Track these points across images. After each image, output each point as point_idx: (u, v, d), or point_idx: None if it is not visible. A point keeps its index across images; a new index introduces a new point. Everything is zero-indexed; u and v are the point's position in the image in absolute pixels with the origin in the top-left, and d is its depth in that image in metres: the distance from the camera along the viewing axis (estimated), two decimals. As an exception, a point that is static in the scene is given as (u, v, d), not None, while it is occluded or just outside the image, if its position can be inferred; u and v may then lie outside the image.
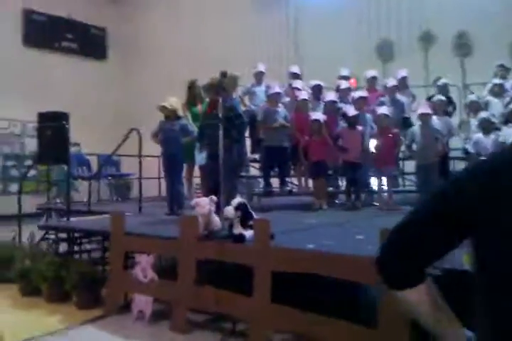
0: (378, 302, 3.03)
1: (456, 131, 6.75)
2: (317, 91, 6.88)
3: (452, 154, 6.83)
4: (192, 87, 6.95)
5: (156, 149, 6.35)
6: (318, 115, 6.21)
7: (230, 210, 3.82)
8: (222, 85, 4.82)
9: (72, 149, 7.26)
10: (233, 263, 3.65)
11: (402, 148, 6.40)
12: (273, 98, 6.45)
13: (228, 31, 12.12)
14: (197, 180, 7.37)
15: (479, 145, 5.94)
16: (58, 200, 7.18)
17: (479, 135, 6.00)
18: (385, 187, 6.24)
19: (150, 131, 6.02)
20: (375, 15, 9.99)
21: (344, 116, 6.33)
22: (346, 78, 7.30)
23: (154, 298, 4.03)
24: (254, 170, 7.65)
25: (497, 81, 6.74)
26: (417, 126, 6.04)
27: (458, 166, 7.37)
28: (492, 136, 5.87)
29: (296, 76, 7.33)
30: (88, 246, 5.78)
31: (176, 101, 6.03)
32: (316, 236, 4.15)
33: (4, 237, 5.83)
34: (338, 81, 7.19)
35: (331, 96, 6.63)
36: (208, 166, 5.66)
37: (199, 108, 6.92)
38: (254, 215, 3.89)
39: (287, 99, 6.93)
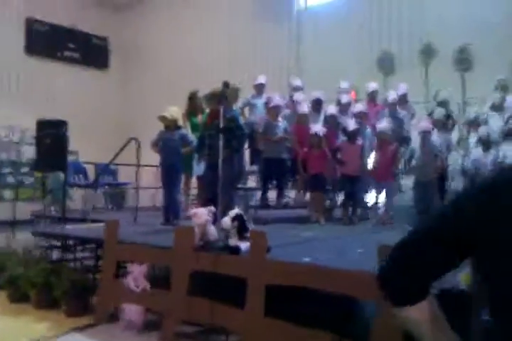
0: (372, 317, 2.99)
1: (455, 147, 6.75)
2: (317, 104, 6.88)
3: (450, 170, 6.82)
4: (193, 97, 6.96)
5: (153, 159, 6.34)
6: (317, 128, 6.21)
7: (226, 221, 3.79)
8: (225, 95, 4.82)
9: (70, 157, 7.23)
10: (228, 275, 3.60)
11: (401, 163, 6.40)
12: (274, 111, 6.46)
13: (230, 41, 12.22)
14: (194, 191, 7.33)
15: (478, 161, 5.93)
16: (53, 208, 7.13)
17: (478, 151, 5.99)
18: (383, 202, 6.22)
19: (148, 140, 6.01)
20: (376, 28, 10.06)
21: (344, 130, 6.33)
22: (346, 91, 7.31)
23: (145, 308, 3.96)
24: (250, 182, 7.62)
25: (497, 96, 6.74)
26: (416, 144, 6.04)
27: (456, 182, 7.36)
28: (491, 152, 5.87)
29: (297, 88, 7.34)
30: (81, 254, 5.72)
31: (176, 110, 6.03)
32: (312, 249, 4.12)
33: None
34: (339, 95, 7.20)
35: (331, 109, 6.63)
36: (206, 176, 5.63)
37: (199, 118, 6.91)
38: (251, 227, 3.85)
39: (287, 111, 6.94)
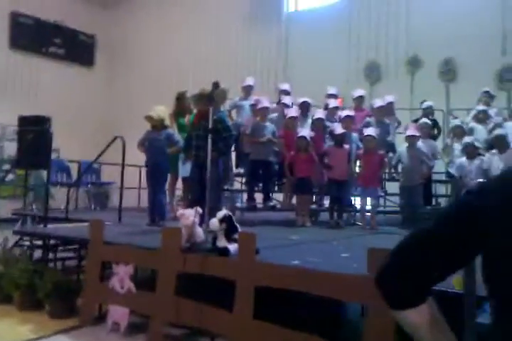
0: (362, 320, 2.99)
1: (440, 155, 6.85)
2: (305, 108, 6.89)
3: (435, 177, 6.92)
4: (181, 98, 6.90)
5: (137, 158, 6.27)
6: (305, 132, 6.22)
7: (214, 223, 3.75)
8: (213, 96, 4.78)
9: (52, 155, 7.10)
10: (215, 277, 3.56)
11: (387, 169, 6.45)
12: (262, 112, 6.45)
13: (218, 42, 12.20)
14: (179, 192, 7.27)
15: (463, 169, 6.01)
16: (34, 206, 6.98)
17: (463, 159, 6.08)
18: (369, 207, 6.26)
19: (133, 139, 5.93)
20: (364, 38, 10.16)
21: (331, 134, 6.36)
22: (334, 96, 7.35)
23: (130, 310, 3.90)
24: (237, 184, 7.60)
25: (481, 107, 6.87)
26: (403, 148, 6.10)
27: (440, 189, 7.47)
28: (476, 162, 5.95)
29: (285, 93, 7.35)
30: (64, 254, 5.60)
31: (163, 110, 5.97)
32: (300, 252, 4.10)
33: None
34: (327, 99, 7.23)
35: (318, 114, 6.65)
36: (193, 177, 5.58)
37: (186, 119, 6.87)
38: (239, 229, 3.82)
39: (275, 115, 6.94)
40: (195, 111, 6.24)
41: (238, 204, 7.30)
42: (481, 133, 6.59)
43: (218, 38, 12.27)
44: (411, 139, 5.97)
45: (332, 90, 7.46)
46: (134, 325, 3.91)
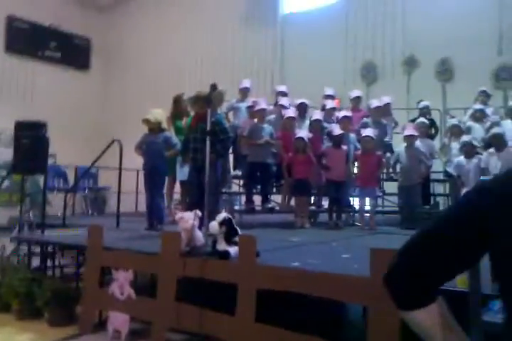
0: (363, 321, 2.96)
1: (437, 154, 6.84)
2: (302, 109, 6.88)
3: (432, 176, 6.91)
4: (178, 100, 6.88)
5: (135, 162, 6.23)
6: (302, 133, 6.20)
7: (214, 226, 3.72)
8: (211, 98, 4.74)
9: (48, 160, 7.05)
10: (216, 281, 3.52)
11: (385, 169, 6.44)
12: (259, 114, 6.43)
13: (214, 44, 12.19)
14: (177, 195, 7.24)
15: (461, 168, 6.00)
16: (31, 212, 6.91)
17: (461, 158, 6.07)
18: (367, 208, 6.25)
19: (130, 143, 5.90)
20: (360, 39, 10.15)
21: (329, 135, 6.34)
22: (331, 97, 7.34)
23: (131, 317, 3.85)
24: (235, 187, 7.57)
25: (478, 106, 6.87)
26: (401, 148, 6.09)
27: (438, 188, 7.46)
28: (474, 161, 5.94)
29: (283, 94, 7.34)
30: (62, 261, 5.55)
31: (160, 113, 5.95)
32: (300, 254, 4.07)
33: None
34: (324, 100, 7.23)
35: (316, 115, 6.64)
36: (191, 180, 5.55)
37: (184, 122, 6.84)
38: (239, 231, 3.79)
39: (272, 117, 6.92)
40: (192, 113, 6.21)
41: (236, 207, 7.27)
42: (478, 132, 6.59)
43: (214, 40, 12.26)
44: (409, 139, 5.96)
45: (329, 91, 7.45)
46: (135, 332, 3.87)
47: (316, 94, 7.55)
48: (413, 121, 7.12)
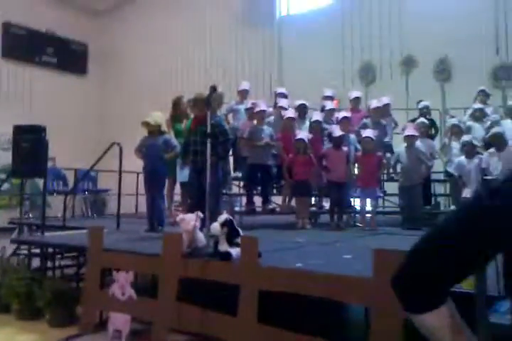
0: (365, 322, 2.95)
1: (438, 154, 6.84)
2: (302, 110, 6.88)
3: (433, 177, 6.91)
4: (177, 103, 6.87)
5: (134, 164, 6.22)
6: (303, 134, 6.20)
7: (216, 227, 3.71)
8: (210, 100, 4.73)
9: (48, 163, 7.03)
10: (217, 282, 3.51)
11: (385, 170, 6.44)
12: (259, 116, 6.43)
13: (211, 47, 12.19)
14: (177, 197, 7.23)
15: (462, 168, 5.99)
16: (31, 215, 6.91)
17: (462, 158, 6.06)
18: (368, 209, 6.24)
19: (128, 146, 5.89)
20: (357, 40, 10.16)
21: (329, 136, 6.34)
22: (330, 98, 7.34)
23: (132, 317, 3.84)
24: (235, 188, 7.56)
25: (478, 106, 6.87)
26: (402, 148, 6.09)
27: (438, 188, 7.46)
28: (475, 160, 5.93)
29: (282, 96, 7.34)
30: (62, 262, 5.53)
31: (159, 115, 5.94)
32: (302, 255, 4.06)
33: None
34: (324, 101, 7.23)
35: (316, 116, 6.64)
36: (191, 183, 5.54)
37: (183, 124, 6.83)
38: (241, 232, 3.78)
39: (272, 118, 6.93)
40: (192, 116, 6.20)
41: (237, 208, 7.26)
42: (478, 132, 6.59)
43: (211, 43, 12.27)
44: (409, 139, 5.96)
45: (328, 92, 7.46)
46: (136, 332, 3.85)
47: (315, 95, 7.55)
48: (413, 121, 7.11)
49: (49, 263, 5.35)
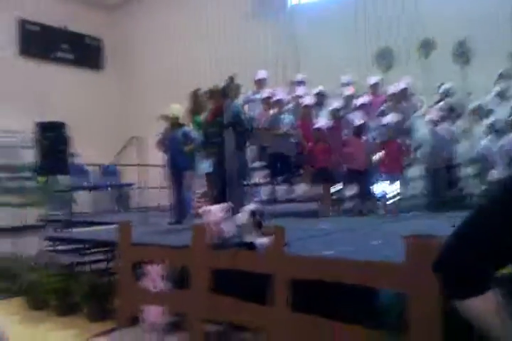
0: (399, 308, 2.96)
1: (461, 137, 6.75)
2: (320, 97, 6.85)
3: (457, 160, 6.80)
4: (195, 95, 6.87)
5: (156, 158, 6.26)
6: (321, 122, 6.18)
7: (242, 217, 3.74)
8: (227, 90, 4.74)
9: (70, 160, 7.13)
10: (247, 272, 3.54)
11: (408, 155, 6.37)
12: (277, 105, 6.41)
13: (226, 38, 12.11)
14: (198, 189, 7.25)
15: (487, 150, 5.92)
16: (59, 212, 7.02)
17: (486, 140, 5.98)
18: (391, 194, 6.21)
19: (149, 139, 5.93)
20: (373, 24, 9.96)
21: (349, 124, 6.29)
22: (348, 85, 7.28)
23: (166, 309, 3.89)
24: (256, 178, 7.56)
25: (500, 87, 6.74)
26: (424, 132, 6.02)
27: (463, 172, 7.36)
28: (500, 142, 5.85)
29: (301, 82, 7.31)
30: (92, 257, 5.64)
31: (178, 108, 5.98)
32: (330, 242, 4.08)
33: (6, 250, 5.68)
34: (341, 88, 7.17)
35: (335, 103, 6.60)
36: (215, 174, 5.57)
37: (202, 117, 6.84)
38: (267, 222, 3.81)
39: (290, 106, 6.90)
40: (210, 107, 6.21)
41: (259, 198, 7.28)
42: (502, 113, 6.47)
43: (225, 34, 12.18)
44: (432, 123, 5.89)
45: (346, 78, 7.40)
46: (171, 324, 3.91)
47: (332, 82, 7.47)
48: (435, 105, 7.00)
49: (81, 259, 5.45)
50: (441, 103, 6.80)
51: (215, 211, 3.91)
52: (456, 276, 1.11)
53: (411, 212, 6.12)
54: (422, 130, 6.32)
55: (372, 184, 6.54)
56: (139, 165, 5.99)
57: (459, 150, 6.50)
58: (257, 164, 7.05)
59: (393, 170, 5.99)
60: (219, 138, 5.33)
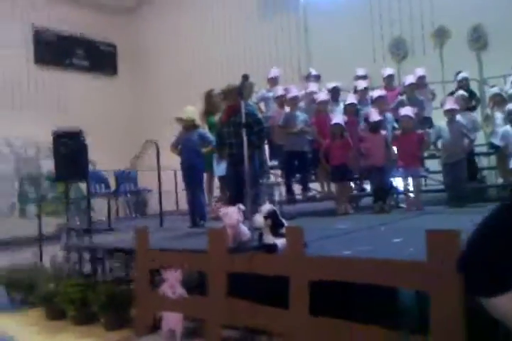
0: (420, 307, 2.85)
1: (480, 126, 6.56)
2: (335, 93, 6.74)
3: (476, 150, 6.63)
4: (209, 96, 6.83)
5: (172, 161, 6.24)
6: (338, 118, 6.06)
7: (259, 219, 3.66)
8: (242, 90, 4.65)
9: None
10: (264, 275, 3.46)
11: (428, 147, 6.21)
12: (292, 102, 6.33)
13: (238, 37, 12.09)
14: (216, 191, 7.22)
15: (507, 138, 5.72)
16: (77, 219, 7.07)
17: (507, 127, 5.78)
18: (412, 188, 6.06)
19: (165, 143, 5.91)
20: (386, 14, 9.80)
21: (366, 120, 6.15)
22: (363, 78, 7.15)
23: (184, 316, 3.85)
24: (272, 177, 7.49)
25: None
26: (443, 123, 5.86)
27: (483, 162, 7.17)
28: (521, 129, 5.66)
29: (316, 78, 7.22)
30: (112, 265, 5.64)
31: (192, 110, 5.96)
32: (349, 242, 3.97)
33: (25, 259, 5.73)
34: (355, 81, 7.05)
35: (350, 98, 6.48)
36: (229, 176, 5.50)
37: (216, 118, 6.79)
38: (285, 223, 3.72)
39: (302, 103, 6.80)
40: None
41: (276, 198, 7.20)
42: (521, 99, 6.26)
43: (238, 33, 12.15)
44: (450, 113, 5.72)
45: (361, 71, 7.28)
46: (189, 330, 3.87)
47: (345, 76, 7.36)
48: (452, 94, 6.83)
49: (99, 267, 5.46)
50: (460, 91, 6.60)
51: (232, 213, 3.84)
52: (483, 274, 1.09)
53: (433, 206, 5.97)
54: (439, 121, 6.15)
55: (392, 178, 6.40)
56: (158, 169, 5.96)
57: (477, 140, 6.33)
58: (270, 163, 6.98)
59: (412, 163, 5.83)
60: (234, 138, 5.25)
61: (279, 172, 7.09)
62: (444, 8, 8.68)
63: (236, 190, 5.11)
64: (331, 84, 6.82)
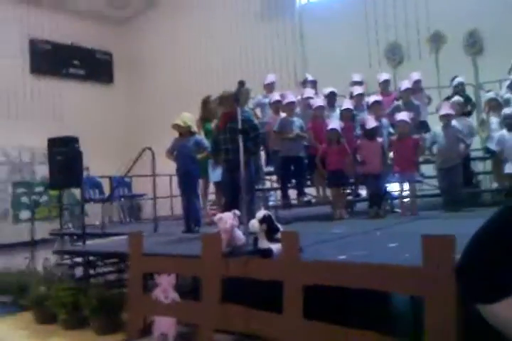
0: (414, 313, 2.83)
1: (476, 131, 6.56)
2: (331, 98, 6.74)
3: (472, 155, 6.63)
4: (206, 103, 6.82)
5: (166, 168, 6.23)
6: (334, 123, 6.05)
7: (254, 224, 3.63)
8: (238, 96, 4.64)
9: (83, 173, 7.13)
10: (259, 280, 3.43)
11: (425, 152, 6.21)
12: (288, 108, 6.32)
13: (234, 46, 12.12)
14: (211, 197, 7.20)
15: (503, 143, 5.72)
16: (70, 225, 7.03)
17: (503, 132, 5.78)
18: (407, 193, 6.05)
19: (160, 150, 5.90)
20: (382, 19, 9.83)
21: (362, 127, 6.14)
22: (359, 83, 7.16)
23: (177, 320, 3.81)
24: (268, 183, 7.48)
25: (515, 77, 6.55)
26: (438, 128, 5.86)
27: (478, 167, 7.17)
28: (514, 135, 5.66)
29: (312, 83, 7.22)
30: (104, 269, 5.60)
31: (189, 117, 5.95)
32: (344, 246, 3.95)
33: (18, 265, 5.68)
34: (351, 87, 7.05)
35: (346, 104, 6.48)
36: (225, 182, 5.47)
37: (213, 124, 6.77)
38: (281, 228, 3.69)
39: (298, 109, 6.79)
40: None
41: (271, 203, 7.18)
42: (516, 103, 6.27)
43: (233, 40, 12.18)
44: (445, 118, 5.71)
45: (357, 77, 7.28)
46: (182, 335, 3.82)
47: (341, 82, 7.37)
48: (447, 99, 6.84)
49: (92, 271, 5.41)
50: (455, 97, 6.61)
51: (226, 218, 3.81)
52: (482, 281, 1.08)
53: (428, 211, 5.96)
54: (435, 126, 6.15)
55: (387, 183, 6.39)
56: (153, 175, 5.94)
57: (472, 145, 6.34)
58: (266, 169, 6.96)
59: (408, 168, 5.82)
60: (230, 144, 5.23)
61: (274, 177, 7.06)
62: (439, 14, 8.71)
63: (232, 196, 5.09)
64: (327, 90, 6.81)
